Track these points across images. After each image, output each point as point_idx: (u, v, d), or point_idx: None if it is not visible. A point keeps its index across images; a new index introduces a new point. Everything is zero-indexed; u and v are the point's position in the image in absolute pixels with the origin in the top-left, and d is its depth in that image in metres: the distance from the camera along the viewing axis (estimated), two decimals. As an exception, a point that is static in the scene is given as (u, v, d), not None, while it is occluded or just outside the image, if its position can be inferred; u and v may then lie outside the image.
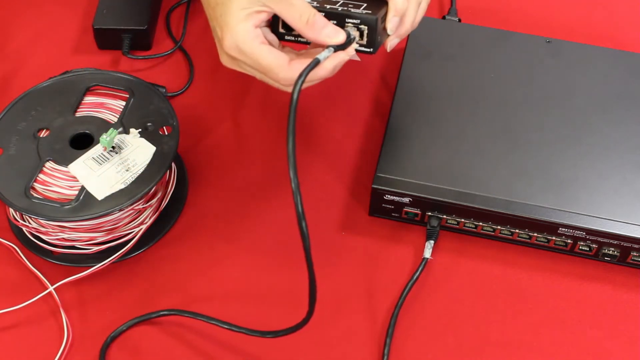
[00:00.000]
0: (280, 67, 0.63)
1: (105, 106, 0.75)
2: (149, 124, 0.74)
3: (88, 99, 0.76)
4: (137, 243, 0.72)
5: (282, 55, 0.63)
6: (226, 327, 0.69)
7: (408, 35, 0.84)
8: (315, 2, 0.66)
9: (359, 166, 0.81)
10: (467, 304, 0.72)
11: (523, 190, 0.73)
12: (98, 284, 0.72)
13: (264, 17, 0.63)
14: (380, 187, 0.73)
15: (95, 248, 0.72)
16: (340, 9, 0.64)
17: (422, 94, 0.80)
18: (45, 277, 0.71)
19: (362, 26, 0.64)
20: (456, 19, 0.90)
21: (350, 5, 0.66)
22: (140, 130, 0.73)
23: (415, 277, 0.72)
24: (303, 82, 0.60)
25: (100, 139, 0.71)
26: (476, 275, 0.73)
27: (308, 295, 0.62)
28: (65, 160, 0.71)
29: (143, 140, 0.72)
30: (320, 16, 0.63)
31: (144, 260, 0.74)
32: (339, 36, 0.63)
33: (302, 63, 0.62)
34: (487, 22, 0.87)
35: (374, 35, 0.65)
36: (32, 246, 0.73)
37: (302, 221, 0.59)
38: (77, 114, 0.74)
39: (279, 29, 0.67)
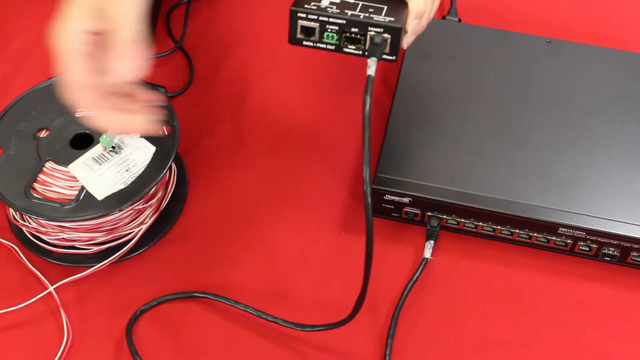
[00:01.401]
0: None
1: (105, 106, 0.75)
2: (149, 124, 0.74)
3: (88, 99, 0.76)
4: (137, 243, 0.72)
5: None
6: (262, 316, 0.69)
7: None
8: (335, 7, 0.63)
9: (359, 166, 0.81)
10: (467, 304, 0.72)
11: (523, 190, 0.73)
12: (98, 284, 0.72)
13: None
14: (380, 187, 0.73)
15: (95, 248, 0.72)
16: (362, 17, 0.62)
17: (422, 94, 0.80)
18: (45, 277, 0.71)
19: (385, 35, 0.62)
20: (456, 19, 0.91)
21: (370, 10, 0.63)
22: (140, 130, 0.73)
23: (415, 277, 0.72)
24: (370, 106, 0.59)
25: (100, 139, 0.71)
26: (476, 275, 0.73)
27: (359, 293, 0.64)
28: (65, 160, 0.71)
29: (143, 140, 0.72)
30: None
31: (144, 260, 0.74)
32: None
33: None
34: (487, 22, 0.87)
35: (398, 43, 0.63)
36: (32, 246, 0.73)
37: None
38: (77, 114, 0.74)
39: (297, 35, 0.64)
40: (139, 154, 0.71)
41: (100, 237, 0.72)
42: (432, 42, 0.84)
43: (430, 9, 0.66)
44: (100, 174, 0.70)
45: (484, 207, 0.72)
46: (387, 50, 0.63)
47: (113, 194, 0.69)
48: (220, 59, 0.90)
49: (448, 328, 0.70)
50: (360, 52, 0.63)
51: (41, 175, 0.70)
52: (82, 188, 0.69)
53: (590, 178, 0.74)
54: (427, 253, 0.73)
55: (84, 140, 0.73)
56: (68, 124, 0.73)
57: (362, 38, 0.63)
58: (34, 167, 0.70)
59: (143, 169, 0.71)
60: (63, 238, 0.71)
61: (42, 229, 0.71)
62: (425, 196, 0.73)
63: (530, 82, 0.81)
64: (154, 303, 0.70)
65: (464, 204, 0.72)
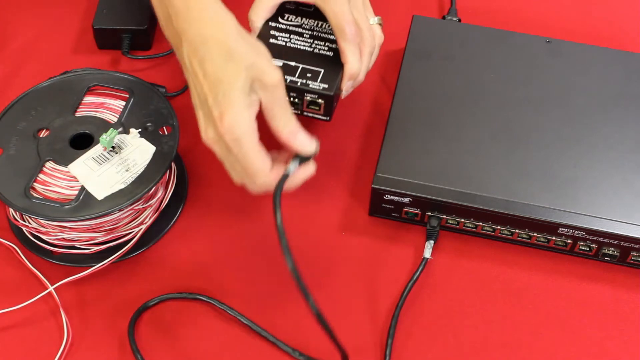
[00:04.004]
0: (263, 173, 0.64)
1: (105, 106, 0.75)
2: (149, 124, 0.74)
3: (88, 99, 0.76)
4: (137, 243, 0.72)
5: (268, 159, 0.64)
6: (261, 333, 0.69)
7: (408, 36, 0.85)
8: None
9: (359, 166, 0.81)
10: (467, 304, 0.72)
11: (523, 190, 0.73)
12: (98, 284, 0.72)
13: (257, 109, 0.63)
14: (380, 187, 0.73)
15: (95, 248, 0.72)
16: (299, 83, 0.69)
17: (422, 94, 0.80)
18: (45, 277, 0.71)
19: (319, 100, 0.70)
20: (456, 19, 0.90)
21: (308, 75, 0.70)
22: (140, 130, 0.73)
23: (415, 277, 0.72)
24: (280, 200, 0.63)
25: (100, 139, 0.71)
26: (476, 275, 0.73)
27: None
28: (65, 160, 0.71)
29: (143, 140, 0.72)
30: (299, 128, 0.64)
31: (144, 260, 0.74)
32: (310, 147, 0.65)
33: (279, 172, 0.65)
34: (487, 22, 0.87)
35: (330, 107, 0.71)
36: (32, 246, 0.73)
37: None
38: (77, 114, 0.75)
39: None
40: (139, 154, 0.71)
41: (100, 237, 0.72)
42: (432, 42, 0.85)
43: (367, 64, 0.73)
44: (100, 174, 0.70)
45: (484, 207, 0.72)
46: (321, 112, 0.71)
47: (113, 194, 0.69)
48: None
49: (448, 328, 0.70)
50: (299, 112, 0.71)
51: (41, 175, 0.70)
52: (82, 188, 0.69)
53: (590, 178, 0.74)
54: (427, 253, 0.73)
55: (83, 140, 0.73)
56: (68, 124, 0.73)
57: (300, 101, 0.71)
58: (34, 167, 0.70)
59: (143, 168, 0.71)
60: (63, 238, 0.71)
61: (42, 229, 0.71)
62: (425, 196, 0.73)
63: (530, 82, 0.81)
64: (156, 300, 0.70)
65: (464, 204, 0.72)
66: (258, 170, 0.63)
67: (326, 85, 0.70)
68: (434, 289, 0.73)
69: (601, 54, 0.84)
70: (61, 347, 0.68)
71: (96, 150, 0.72)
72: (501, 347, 0.69)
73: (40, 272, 0.72)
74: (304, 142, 0.64)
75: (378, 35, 0.75)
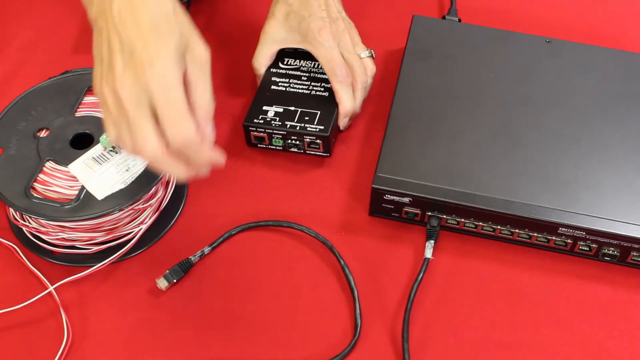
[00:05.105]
0: (191, 130, 0.58)
1: (105, 106, 0.75)
2: (149, 124, 0.74)
3: (88, 99, 0.76)
4: (137, 243, 0.72)
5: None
6: None
7: (408, 36, 0.85)
8: (278, 119, 0.77)
9: (359, 166, 0.81)
10: (467, 304, 0.72)
11: (523, 190, 0.73)
12: (98, 284, 0.72)
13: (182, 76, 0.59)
14: (380, 186, 0.73)
15: (95, 248, 0.72)
16: (298, 127, 0.77)
17: (422, 94, 0.80)
18: (45, 277, 0.71)
19: (317, 140, 0.77)
20: (456, 19, 0.91)
21: (306, 118, 0.77)
22: (140, 130, 0.73)
23: (419, 279, 0.72)
24: None
25: (100, 139, 0.71)
26: (476, 275, 0.73)
27: None
28: (65, 160, 0.71)
29: (143, 140, 0.72)
30: (212, 115, 0.61)
31: (144, 260, 0.74)
32: (209, 138, 0.61)
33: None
34: (487, 22, 0.88)
35: (328, 144, 0.78)
36: (32, 246, 0.73)
37: None
38: (77, 114, 0.75)
39: (252, 141, 0.80)
40: (139, 154, 0.71)
41: (100, 237, 0.72)
42: (432, 42, 0.85)
43: (361, 98, 0.80)
44: (100, 173, 0.70)
45: (484, 207, 0.72)
46: (321, 150, 0.79)
47: (113, 194, 0.69)
48: (220, 59, 0.90)
49: (448, 328, 0.70)
50: (302, 152, 0.79)
51: (41, 175, 0.70)
52: (82, 188, 0.69)
53: (590, 178, 0.74)
54: (428, 253, 0.73)
55: (84, 140, 0.73)
56: (68, 124, 0.73)
57: (301, 143, 0.78)
58: (34, 167, 0.70)
59: (143, 168, 0.71)
60: (63, 238, 0.71)
61: (42, 229, 0.71)
62: (425, 196, 0.73)
63: (530, 82, 0.81)
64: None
65: (464, 204, 0.72)
66: (189, 126, 0.58)
67: (322, 127, 0.77)
68: (434, 288, 0.72)
69: (601, 54, 0.84)
70: (61, 347, 0.68)
71: (96, 150, 0.72)
72: (501, 347, 0.69)
73: (40, 272, 0.72)
74: (209, 133, 0.60)
75: (370, 68, 0.81)
